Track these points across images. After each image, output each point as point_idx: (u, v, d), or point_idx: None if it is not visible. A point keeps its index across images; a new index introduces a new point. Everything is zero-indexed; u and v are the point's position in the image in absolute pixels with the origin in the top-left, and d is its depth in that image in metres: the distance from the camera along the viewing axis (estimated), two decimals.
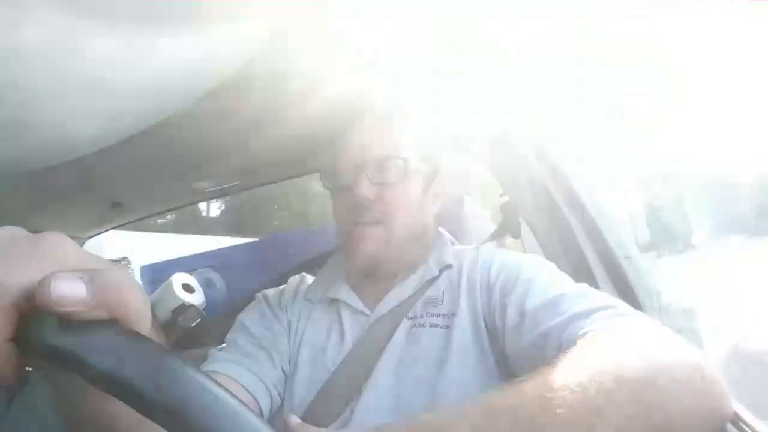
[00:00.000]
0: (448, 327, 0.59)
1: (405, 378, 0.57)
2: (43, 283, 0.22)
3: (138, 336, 0.24)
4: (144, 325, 0.25)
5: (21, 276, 0.22)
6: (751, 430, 0.42)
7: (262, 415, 0.58)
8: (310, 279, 0.75)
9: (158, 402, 0.22)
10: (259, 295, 0.74)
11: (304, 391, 0.61)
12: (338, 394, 0.59)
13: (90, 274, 0.23)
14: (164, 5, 0.35)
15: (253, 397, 0.57)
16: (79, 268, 0.24)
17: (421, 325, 0.61)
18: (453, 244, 0.75)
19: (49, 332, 0.22)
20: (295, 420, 0.52)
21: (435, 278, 0.65)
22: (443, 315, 0.61)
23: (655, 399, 0.35)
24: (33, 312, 0.22)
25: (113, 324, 0.23)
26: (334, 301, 0.68)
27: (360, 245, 0.63)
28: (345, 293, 0.67)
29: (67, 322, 0.22)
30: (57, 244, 0.24)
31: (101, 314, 0.23)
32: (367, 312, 0.65)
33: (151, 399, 0.22)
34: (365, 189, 0.61)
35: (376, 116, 0.67)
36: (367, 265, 0.65)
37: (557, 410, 0.34)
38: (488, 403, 0.36)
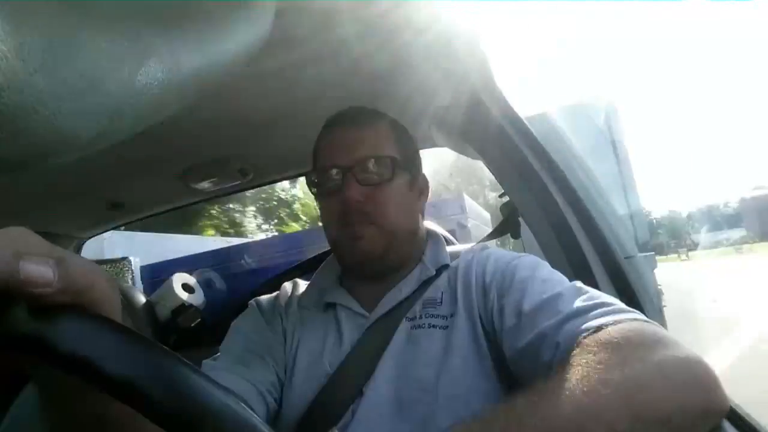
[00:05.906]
0: (447, 328, 0.59)
1: (406, 379, 0.57)
2: (11, 264, 0.22)
3: (104, 319, 0.24)
4: (112, 310, 0.26)
5: None
6: (748, 426, 0.42)
7: None
8: (303, 284, 0.74)
9: (125, 382, 0.22)
10: (252, 302, 0.72)
11: (302, 394, 0.60)
12: (339, 396, 0.58)
13: (56, 259, 0.24)
14: (165, 5, 0.35)
15: (245, 403, 0.57)
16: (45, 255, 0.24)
17: (421, 326, 0.60)
18: (449, 243, 0.74)
19: (18, 319, 0.22)
20: None
21: (432, 278, 0.65)
22: (442, 316, 0.60)
23: (645, 399, 0.35)
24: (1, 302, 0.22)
25: (81, 309, 0.24)
26: (330, 306, 0.67)
27: (354, 248, 0.62)
28: (341, 296, 0.66)
29: (36, 309, 0.23)
30: (20, 236, 0.24)
31: (67, 298, 0.24)
32: (366, 313, 0.64)
33: (119, 380, 0.22)
34: (354, 191, 0.60)
35: (360, 116, 0.66)
36: (361, 266, 0.64)
37: (550, 421, 0.34)
38: (483, 421, 0.36)
